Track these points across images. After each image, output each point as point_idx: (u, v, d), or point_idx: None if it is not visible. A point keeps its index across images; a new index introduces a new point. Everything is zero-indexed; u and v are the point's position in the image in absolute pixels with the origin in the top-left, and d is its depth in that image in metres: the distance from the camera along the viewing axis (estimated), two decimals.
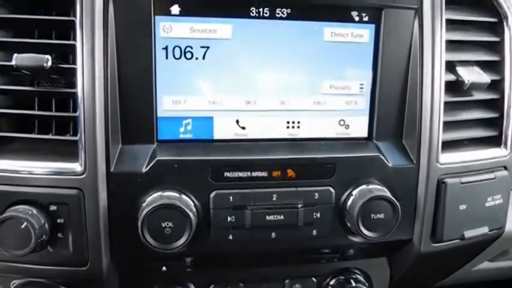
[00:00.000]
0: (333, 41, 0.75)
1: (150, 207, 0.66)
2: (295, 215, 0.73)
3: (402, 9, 0.76)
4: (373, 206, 0.73)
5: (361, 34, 0.76)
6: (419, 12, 0.76)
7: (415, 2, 0.76)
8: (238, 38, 0.72)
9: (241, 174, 0.72)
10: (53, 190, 0.68)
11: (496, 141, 0.85)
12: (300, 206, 0.73)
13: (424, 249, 0.81)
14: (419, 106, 0.77)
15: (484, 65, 0.83)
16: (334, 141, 0.79)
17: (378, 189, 0.75)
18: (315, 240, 0.76)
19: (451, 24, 0.79)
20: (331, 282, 0.88)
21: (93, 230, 0.69)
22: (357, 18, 0.75)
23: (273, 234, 0.74)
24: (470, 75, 0.80)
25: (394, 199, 0.73)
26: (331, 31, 0.75)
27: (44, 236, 0.66)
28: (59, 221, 0.68)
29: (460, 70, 0.80)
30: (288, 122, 0.77)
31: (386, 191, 0.75)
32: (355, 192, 0.75)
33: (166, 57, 0.71)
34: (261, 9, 0.72)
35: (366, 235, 0.73)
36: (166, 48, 0.71)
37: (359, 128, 0.79)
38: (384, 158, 0.76)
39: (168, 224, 0.67)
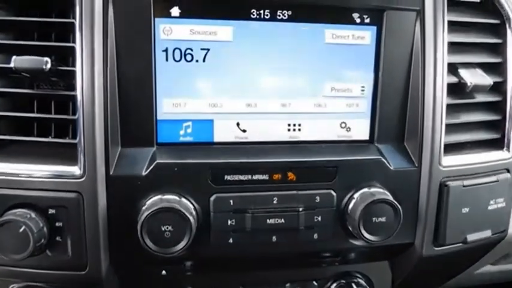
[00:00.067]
0: (334, 43, 0.74)
1: (149, 211, 0.66)
2: (296, 218, 0.73)
3: (404, 11, 0.75)
4: (374, 209, 0.72)
5: (362, 36, 0.75)
6: (421, 14, 0.76)
7: (417, 4, 0.75)
8: (238, 40, 0.72)
9: (241, 177, 0.72)
10: (52, 193, 0.67)
11: (498, 143, 0.85)
12: (300, 209, 0.73)
13: (426, 253, 0.81)
14: (421, 108, 0.76)
15: (487, 67, 0.83)
16: (336, 144, 0.78)
17: (380, 192, 0.74)
18: (316, 244, 0.76)
19: (453, 26, 0.79)
20: (333, 286, 0.87)
21: (92, 233, 0.68)
22: (358, 20, 0.75)
23: (274, 238, 0.73)
24: (473, 77, 0.79)
25: (396, 202, 0.73)
26: (333, 33, 0.74)
27: (43, 240, 0.65)
28: (57, 224, 0.67)
29: (462, 72, 0.80)
30: (289, 125, 0.77)
31: (388, 194, 0.74)
32: (356, 195, 0.74)
33: (166, 60, 0.71)
34: (261, 11, 0.72)
35: (367, 239, 0.73)
36: (166, 50, 0.70)
37: (360, 130, 0.79)
38: (385, 161, 0.76)
39: (167, 228, 0.66)
